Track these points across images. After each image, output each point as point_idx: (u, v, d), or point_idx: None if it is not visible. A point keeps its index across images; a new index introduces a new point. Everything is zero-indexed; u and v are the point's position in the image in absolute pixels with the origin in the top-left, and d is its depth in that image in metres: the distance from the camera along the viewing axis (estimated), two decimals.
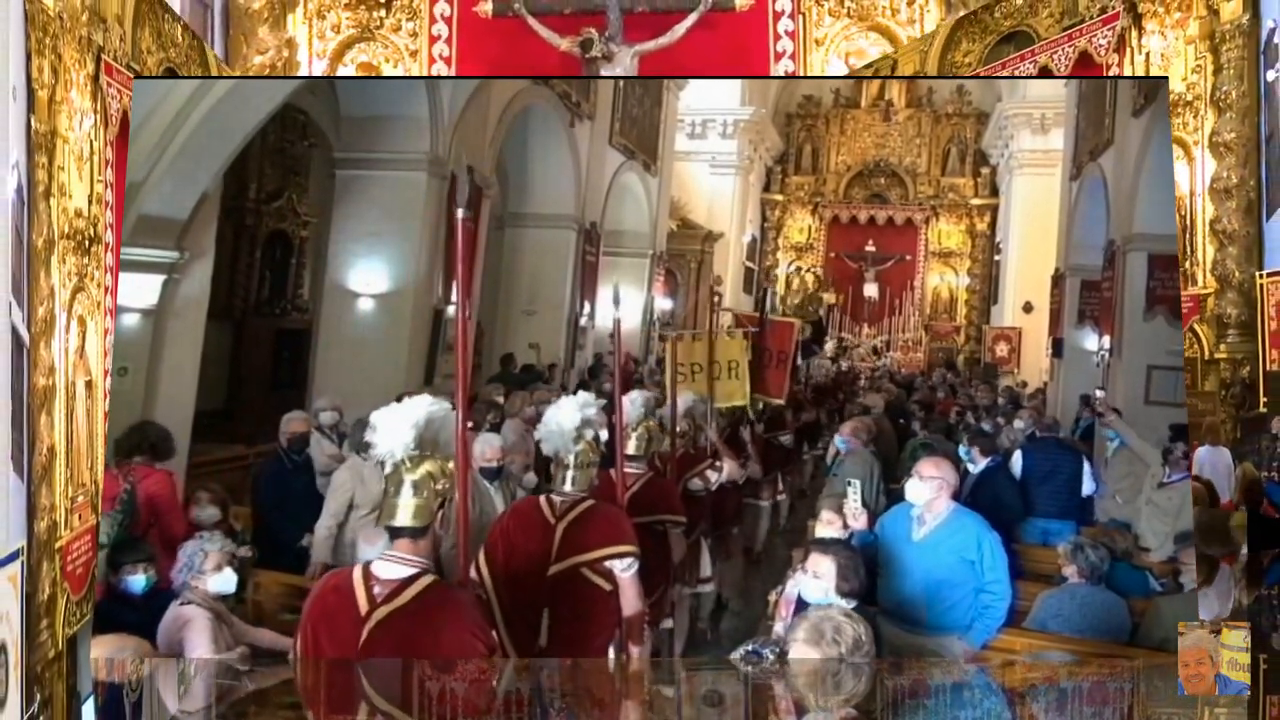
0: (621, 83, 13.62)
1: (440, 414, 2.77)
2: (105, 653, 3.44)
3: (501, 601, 3.52)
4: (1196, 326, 5.69)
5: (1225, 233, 5.42)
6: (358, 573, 2.73)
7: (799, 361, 9.39)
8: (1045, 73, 6.25)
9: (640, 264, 16.00)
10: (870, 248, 21.61)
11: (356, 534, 4.62)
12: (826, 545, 3.65)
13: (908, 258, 21.78)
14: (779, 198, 22.18)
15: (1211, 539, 4.96)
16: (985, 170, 21.43)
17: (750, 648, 3.32)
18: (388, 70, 7.36)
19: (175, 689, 3.52)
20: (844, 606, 3.14)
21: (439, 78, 8.13)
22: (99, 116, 4.46)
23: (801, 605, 3.52)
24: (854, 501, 4.36)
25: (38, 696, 3.72)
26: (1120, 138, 9.93)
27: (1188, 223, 5.95)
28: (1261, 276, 4.98)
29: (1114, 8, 5.67)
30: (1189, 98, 5.66)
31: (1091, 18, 5.76)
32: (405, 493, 2.69)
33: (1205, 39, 5.37)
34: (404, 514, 2.69)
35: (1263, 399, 4.95)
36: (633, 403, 4.69)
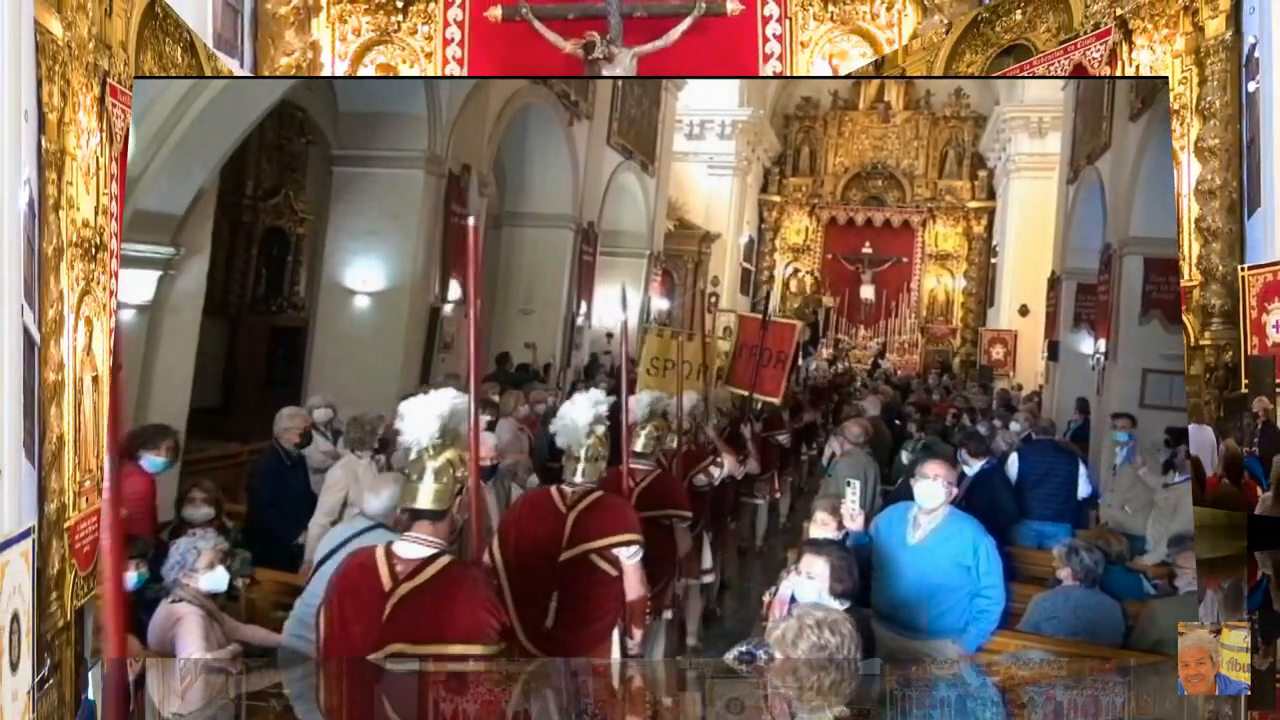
0: (620, 83, 13.61)
1: (463, 407, 2.96)
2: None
3: (513, 584, 3.67)
4: (1183, 316, 6.00)
5: (1210, 230, 5.74)
6: (380, 552, 2.91)
7: (799, 362, 9.47)
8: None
9: (637, 264, 15.97)
10: (867, 249, 21.60)
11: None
12: (820, 546, 3.63)
13: (904, 260, 21.78)
14: (776, 199, 22.17)
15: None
16: (982, 173, 21.44)
17: (744, 648, 3.32)
18: (404, 71, 7.80)
19: (168, 688, 3.51)
20: (831, 607, 3.12)
21: (435, 78, 8.17)
22: (104, 135, 4.80)
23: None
24: (852, 502, 4.35)
25: (48, 661, 4.06)
26: (1117, 142, 9.95)
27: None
28: (1243, 270, 5.36)
29: (1106, 24, 6.08)
30: (1176, 107, 6.01)
31: (1085, 33, 6.18)
32: (427, 478, 2.88)
33: (1191, 53, 5.75)
34: (425, 498, 2.88)
35: (1244, 381, 5.33)
36: (640, 402, 4.91)
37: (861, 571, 3.67)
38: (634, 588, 3.86)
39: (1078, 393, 11.01)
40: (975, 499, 5.66)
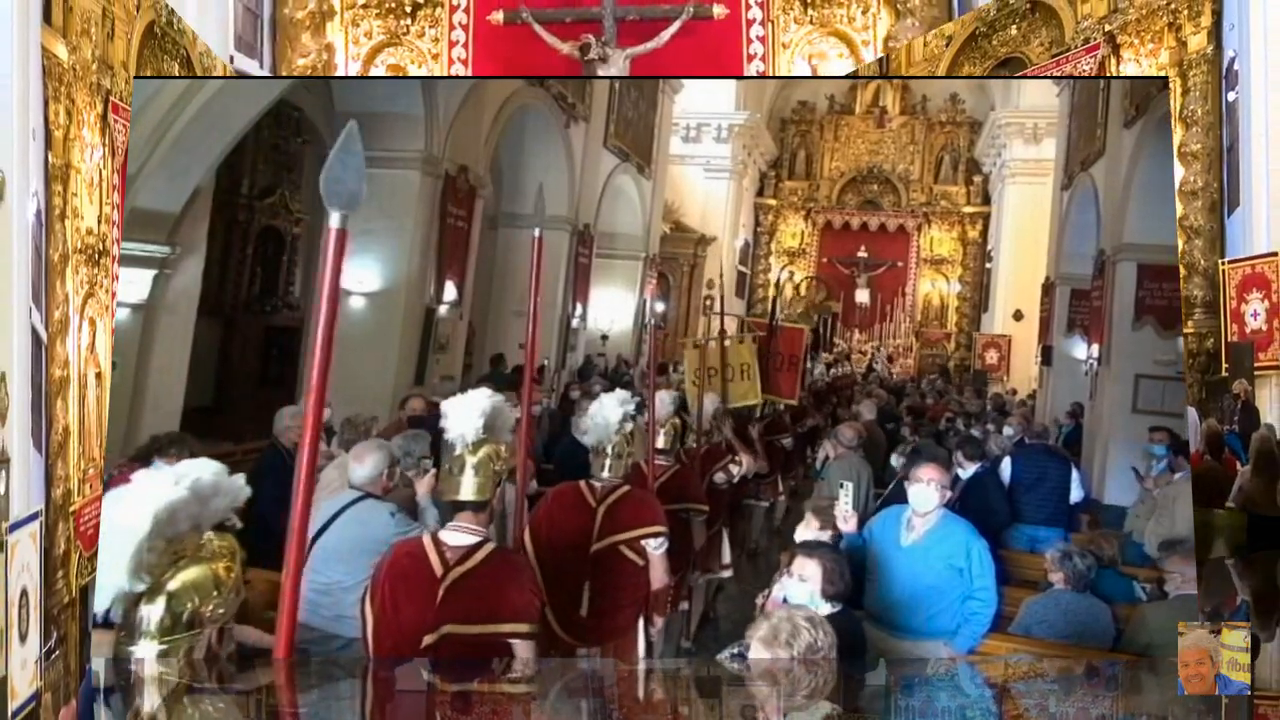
0: (618, 86, 13.64)
1: (500, 404, 3.19)
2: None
3: (546, 575, 3.78)
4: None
5: (1192, 228, 6.13)
6: (427, 539, 3.11)
7: (807, 365, 9.71)
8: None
9: (633, 266, 15.99)
10: (862, 253, 21.65)
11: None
12: (812, 548, 3.63)
13: (899, 264, 21.83)
14: (772, 202, 22.21)
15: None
16: (978, 178, 21.52)
17: (736, 649, 3.32)
18: (414, 71, 8.22)
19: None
20: (811, 610, 3.12)
21: (431, 78, 8.26)
22: (107, 149, 5.10)
23: None
24: (845, 504, 4.36)
25: (55, 633, 4.35)
26: (1112, 148, 9.99)
27: None
28: (1224, 264, 5.81)
29: (1096, 39, 6.47)
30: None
31: (1076, 47, 6.60)
32: (468, 472, 3.09)
33: (1175, 66, 6.13)
34: (468, 490, 3.09)
35: (1224, 366, 5.78)
36: (663, 402, 5.20)
37: (854, 573, 3.68)
38: (659, 577, 4.11)
39: (1071, 398, 11.06)
40: (969, 502, 5.69)
